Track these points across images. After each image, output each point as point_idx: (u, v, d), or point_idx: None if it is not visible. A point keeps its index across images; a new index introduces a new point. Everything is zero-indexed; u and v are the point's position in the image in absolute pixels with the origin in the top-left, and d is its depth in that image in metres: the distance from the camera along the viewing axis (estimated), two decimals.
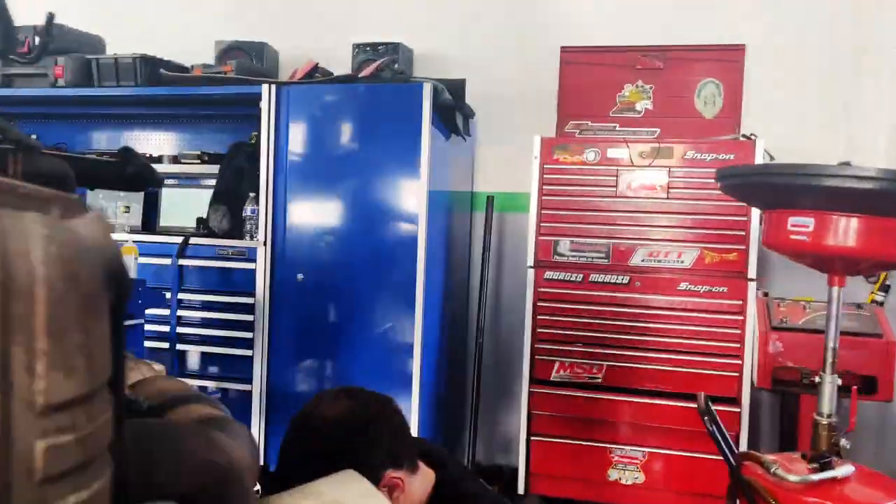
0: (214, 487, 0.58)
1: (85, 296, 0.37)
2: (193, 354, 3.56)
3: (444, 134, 3.41)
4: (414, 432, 3.20)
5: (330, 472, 1.12)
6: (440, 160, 3.32)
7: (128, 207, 4.02)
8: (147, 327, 3.45)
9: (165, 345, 3.52)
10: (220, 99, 3.53)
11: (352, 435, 1.14)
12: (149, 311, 3.32)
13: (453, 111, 3.23)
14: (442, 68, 3.65)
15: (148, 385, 0.96)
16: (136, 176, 0.85)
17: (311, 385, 3.36)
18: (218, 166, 3.64)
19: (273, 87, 3.30)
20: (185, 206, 3.90)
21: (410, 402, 3.19)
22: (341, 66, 3.56)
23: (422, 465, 1.27)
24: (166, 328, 3.49)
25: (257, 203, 3.36)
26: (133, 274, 3.10)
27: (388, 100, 3.21)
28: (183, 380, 1.03)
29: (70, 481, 0.36)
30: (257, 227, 3.36)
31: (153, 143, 4.20)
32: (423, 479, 1.25)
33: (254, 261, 3.37)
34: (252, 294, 3.37)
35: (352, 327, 3.29)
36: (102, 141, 4.25)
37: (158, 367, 1.45)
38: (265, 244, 3.34)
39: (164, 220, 4.05)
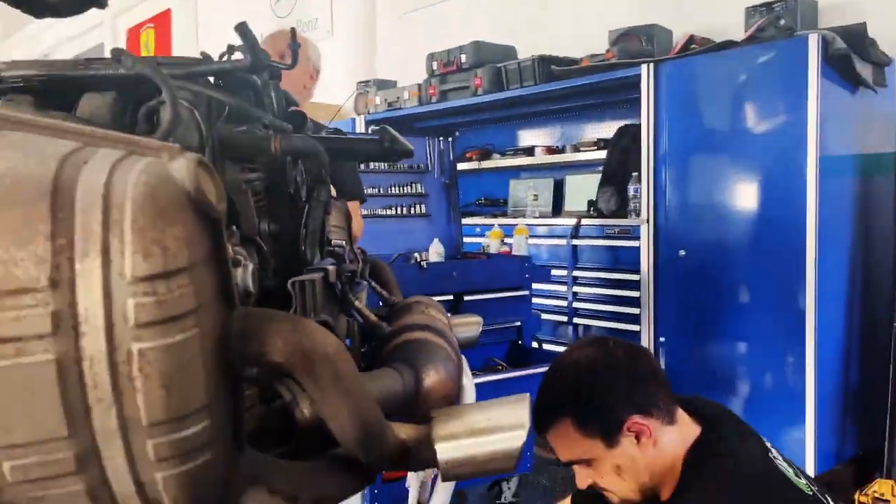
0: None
1: (162, 208, 0.56)
2: (588, 328, 3.81)
3: (846, 88, 2.99)
4: (809, 427, 2.91)
5: (566, 414, 1.21)
6: (838, 119, 2.92)
7: (536, 196, 4.49)
8: (546, 302, 3.84)
9: (564, 318, 3.85)
10: (604, 86, 3.70)
11: (590, 377, 1.20)
12: (548, 288, 3.70)
13: (850, 61, 2.81)
14: (852, 18, 3.18)
15: (409, 310, 1.13)
16: (390, 149, 1.05)
17: (695, 362, 3.30)
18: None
19: (650, 65, 3.34)
20: (584, 190, 4.19)
21: (805, 392, 2.91)
22: (734, 35, 3.38)
23: (683, 419, 1.24)
24: (564, 302, 3.81)
25: (640, 182, 3.44)
26: (523, 251, 3.50)
27: (768, 61, 2.96)
28: (443, 323, 1.14)
29: (156, 329, 0.57)
30: (640, 206, 3.45)
31: (548, 135, 4.60)
32: (681, 433, 1.22)
33: (637, 238, 3.45)
34: (637, 271, 3.47)
35: (734, 305, 3.14)
36: (513, 139, 4.81)
37: (475, 318, 1.66)
38: (647, 222, 3.40)
39: (568, 205, 4.41)
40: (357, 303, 1.00)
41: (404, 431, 0.74)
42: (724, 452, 1.19)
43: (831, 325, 3.00)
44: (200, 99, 0.77)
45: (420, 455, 0.73)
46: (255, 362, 0.62)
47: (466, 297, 3.04)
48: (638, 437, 1.18)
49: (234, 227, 0.78)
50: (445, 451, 0.71)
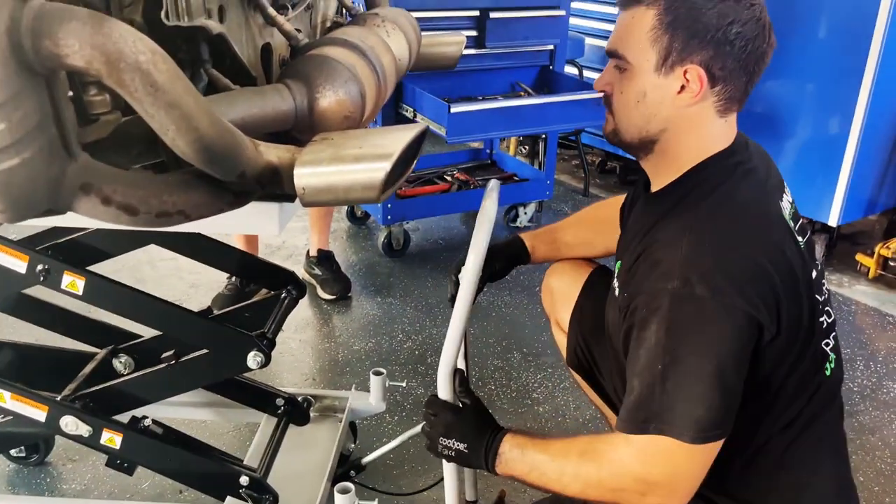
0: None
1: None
2: None
3: None
4: (844, 173, 2.77)
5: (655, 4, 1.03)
6: None
7: None
8: (594, 25, 3.52)
9: None
10: None
11: (711, 4, 0.99)
12: (597, 9, 3.35)
13: None
14: None
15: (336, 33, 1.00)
16: None
17: None
18: None
19: None
20: None
21: (847, 137, 2.72)
22: None
23: (730, 126, 1.08)
24: (611, 26, 3.51)
25: None
26: None
27: None
28: (378, 38, 1.01)
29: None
30: None
31: None
32: (716, 135, 1.06)
33: None
34: None
35: (792, 37, 2.82)
36: None
37: (456, 37, 1.51)
38: None
39: None
40: (270, 10, 0.87)
41: (274, 153, 0.69)
42: (735, 182, 1.06)
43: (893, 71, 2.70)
44: None
45: (288, 179, 0.69)
46: (55, 65, 0.55)
47: (493, 14, 2.80)
48: (683, 88, 1.03)
49: None
50: (303, 176, 0.66)
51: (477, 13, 2.81)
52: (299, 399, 1.64)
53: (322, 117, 0.79)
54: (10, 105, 0.53)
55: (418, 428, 1.28)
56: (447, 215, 3.37)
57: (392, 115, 2.84)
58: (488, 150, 3.59)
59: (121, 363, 1.50)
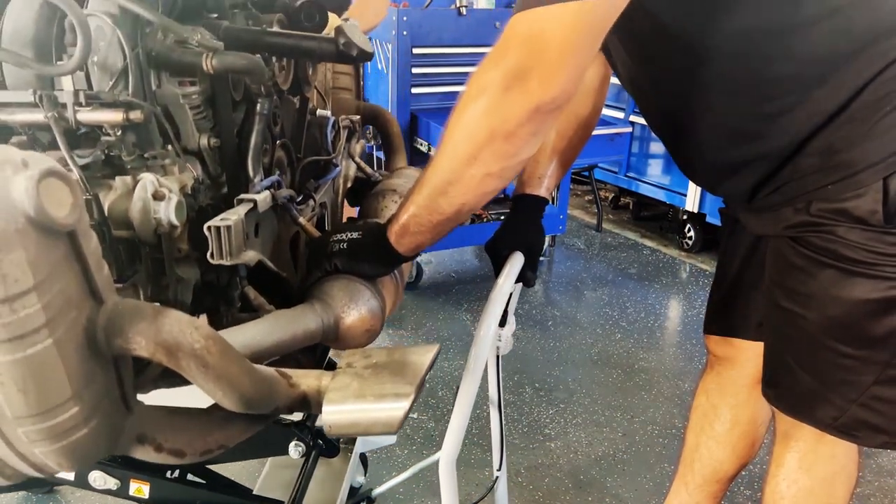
0: None
1: None
2: None
3: None
4: None
5: None
6: None
7: None
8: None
9: None
10: None
11: None
12: None
13: None
14: None
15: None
16: (345, 52, 0.94)
17: None
18: None
19: None
20: None
21: None
22: None
23: None
24: None
25: None
26: None
27: None
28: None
29: (4, 347, 0.57)
30: None
31: None
32: None
33: None
34: None
35: None
36: None
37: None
38: None
39: None
40: (301, 219, 1.00)
41: (304, 384, 0.78)
42: None
43: None
44: (126, 16, 0.78)
45: (317, 405, 0.78)
46: (125, 353, 0.64)
47: None
48: None
49: (169, 147, 0.82)
50: (330, 414, 0.75)
51: None
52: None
53: (347, 333, 0.90)
54: (85, 392, 0.61)
55: (430, 460, 1.27)
56: (460, 248, 3.39)
57: (407, 148, 2.87)
58: None
59: None
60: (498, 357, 1.18)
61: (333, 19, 1.54)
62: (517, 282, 1.10)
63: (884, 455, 2.08)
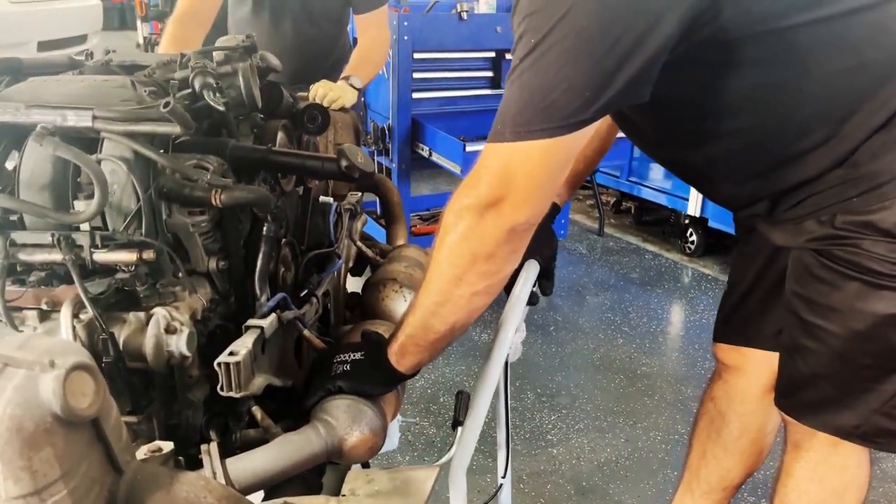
0: None
1: (27, 437, 0.55)
2: None
3: None
4: None
5: None
6: None
7: None
8: None
9: None
10: None
11: None
12: None
13: None
14: None
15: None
16: (346, 173, 0.98)
17: None
18: None
19: None
20: None
21: None
22: None
23: None
24: None
25: None
26: None
27: None
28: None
29: None
30: None
31: None
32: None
33: None
34: None
35: None
36: None
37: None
38: None
39: None
40: (306, 332, 1.02)
41: None
42: None
43: None
44: (139, 161, 0.83)
45: None
46: None
47: (508, 56, 2.83)
48: None
49: (179, 274, 0.86)
50: None
51: (493, 54, 2.85)
52: None
53: (350, 453, 0.91)
54: None
55: (439, 464, 1.26)
56: None
57: (407, 153, 2.87)
58: None
59: None
60: (506, 364, 1.17)
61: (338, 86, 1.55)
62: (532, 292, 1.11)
63: (888, 460, 2.07)
